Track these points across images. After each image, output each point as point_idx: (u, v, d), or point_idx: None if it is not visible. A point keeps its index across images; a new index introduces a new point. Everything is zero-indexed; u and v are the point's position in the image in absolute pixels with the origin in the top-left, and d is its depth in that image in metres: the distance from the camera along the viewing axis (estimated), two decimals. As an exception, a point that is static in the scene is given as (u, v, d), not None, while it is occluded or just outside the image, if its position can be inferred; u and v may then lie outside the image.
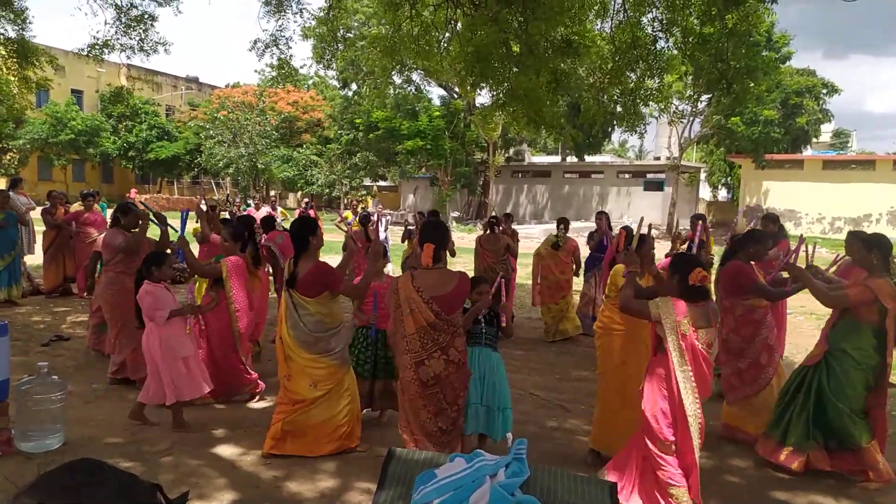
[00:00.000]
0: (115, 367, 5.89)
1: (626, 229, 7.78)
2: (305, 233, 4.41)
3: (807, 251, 5.04)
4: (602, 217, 9.11)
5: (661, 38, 8.67)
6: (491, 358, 4.29)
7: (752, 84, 9.45)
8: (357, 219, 12.12)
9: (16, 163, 34.25)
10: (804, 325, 10.18)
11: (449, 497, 1.48)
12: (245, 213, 12.12)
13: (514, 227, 10.15)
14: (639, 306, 3.74)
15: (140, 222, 6.12)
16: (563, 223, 8.83)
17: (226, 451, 4.53)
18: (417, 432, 3.81)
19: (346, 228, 10.65)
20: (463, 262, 14.35)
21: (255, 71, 67.66)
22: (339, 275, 4.44)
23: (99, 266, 7.88)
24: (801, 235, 5.41)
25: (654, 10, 8.50)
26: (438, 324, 3.68)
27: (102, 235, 6.08)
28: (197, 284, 7.52)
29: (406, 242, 10.32)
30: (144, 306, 4.84)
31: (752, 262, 5.21)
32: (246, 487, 3.99)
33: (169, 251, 5.75)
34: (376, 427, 5.15)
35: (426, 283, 3.72)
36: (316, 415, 4.36)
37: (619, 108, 10.06)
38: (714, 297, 4.76)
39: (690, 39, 8.23)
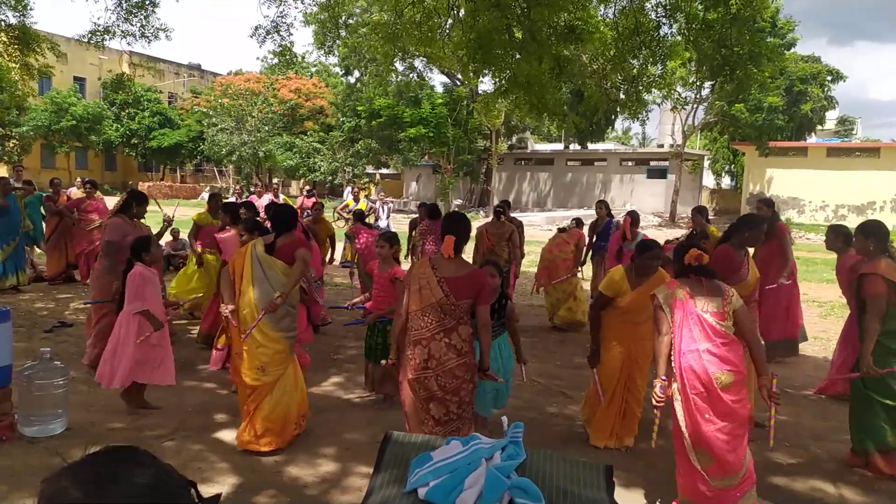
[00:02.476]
0: (91, 359, 5.74)
1: (631, 214, 7.82)
2: (289, 220, 4.53)
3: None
4: (601, 206, 9.17)
5: (664, 23, 8.60)
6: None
7: (755, 70, 9.37)
8: (354, 209, 12.16)
9: (19, 150, 34.25)
10: (806, 312, 10.15)
11: (444, 479, 1.49)
12: (246, 199, 12.10)
13: (516, 214, 10.15)
14: (657, 314, 3.72)
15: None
16: (577, 221, 9.08)
17: (227, 436, 4.55)
18: (411, 418, 3.81)
19: (346, 216, 10.64)
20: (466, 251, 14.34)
21: (258, 58, 67.34)
22: (311, 248, 4.55)
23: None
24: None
25: (657, -6, 8.43)
26: (446, 304, 3.64)
27: (106, 222, 5.97)
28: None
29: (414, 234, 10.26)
30: (130, 287, 4.83)
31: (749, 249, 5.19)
32: (247, 472, 4.02)
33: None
34: (378, 411, 5.19)
35: (441, 265, 3.75)
36: (270, 407, 4.26)
37: (621, 95, 10.00)
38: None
39: (694, 25, 8.15)
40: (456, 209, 29.94)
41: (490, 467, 1.51)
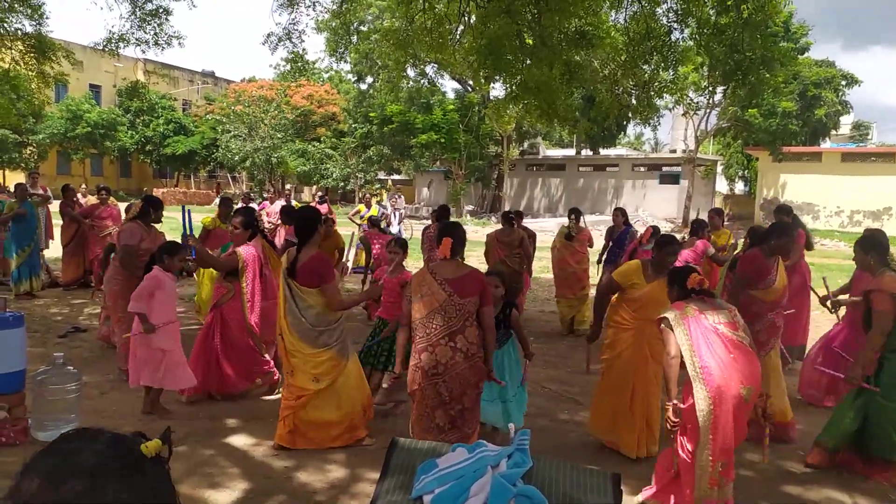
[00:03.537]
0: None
1: (654, 228, 7.77)
2: (311, 222, 4.44)
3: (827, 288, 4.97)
4: (618, 213, 9.07)
5: (675, 28, 8.58)
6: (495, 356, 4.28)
7: (768, 75, 9.31)
8: (366, 216, 12.21)
9: (35, 157, 34.69)
10: (820, 318, 10.05)
11: (450, 487, 1.48)
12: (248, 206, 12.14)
13: (528, 221, 10.10)
14: (665, 335, 3.66)
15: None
16: (575, 213, 8.79)
17: (238, 441, 4.57)
18: (416, 426, 3.79)
19: (359, 222, 10.68)
20: (476, 255, 14.33)
21: (271, 65, 67.84)
22: (333, 271, 4.48)
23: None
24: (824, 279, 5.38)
25: (668, 0, 8.42)
26: (449, 305, 3.64)
27: (120, 228, 6.05)
28: (198, 277, 7.55)
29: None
30: (147, 284, 4.91)
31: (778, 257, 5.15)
32: (257, 477, 4.03)
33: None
34: (389, 418, 5.17)
35: (440, 269, 3.78)
36: (321, 407, 4.35)
37: (632, 101, 9.97)
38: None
39: (705, 30, 8.12)
40: (468, 214, 29.98)
41: (496, 475, 1.50)
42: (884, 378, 4.32)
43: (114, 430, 1.03)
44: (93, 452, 0.92)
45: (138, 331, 4.84)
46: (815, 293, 6.31)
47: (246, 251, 5.46)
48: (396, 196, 16.41)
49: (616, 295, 4.70)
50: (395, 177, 40.08)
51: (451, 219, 11.65)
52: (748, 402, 3.46)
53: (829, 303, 5.54)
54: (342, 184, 36.54)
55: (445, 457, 1.62)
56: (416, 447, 1.75)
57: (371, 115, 32.67)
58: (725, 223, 7.95)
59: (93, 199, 10.61)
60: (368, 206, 12.98)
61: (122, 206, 10.04)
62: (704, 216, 8.77)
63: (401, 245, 5.49)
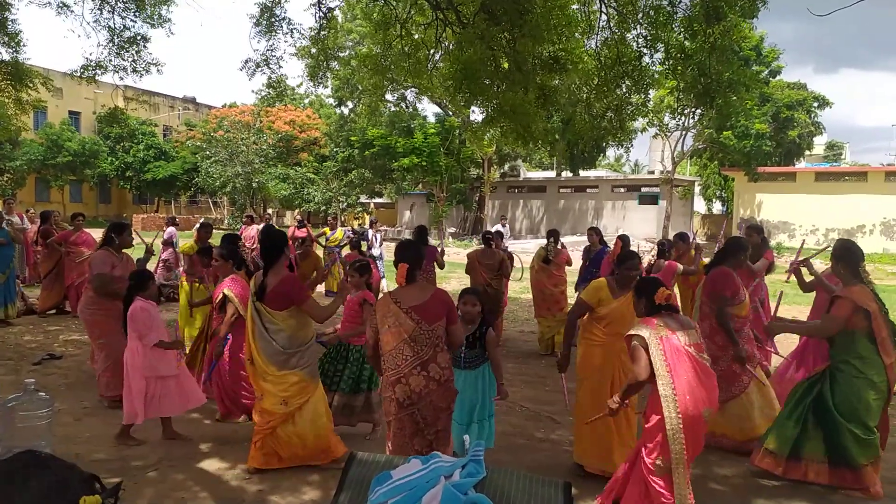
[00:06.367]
0: (103, 388, 5.92)
1: (623, 238, 7.87)
2: (277, 245, 4.47)
3: (777, 304, 5.05)
4: (592, 233, 9.20)
5: (645, 53, 8.77)
6: (467, 378, 4.31)
7: (734, 98, 9.52)
8: (332, 238, 12.27)
9: (12, 184, 34.39)
10: (796, 336, 10.19)
11: (402, 497, 1.51)
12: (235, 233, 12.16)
13: (510, 241, 10.21)
14: (636, 353, 3.70)
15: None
16: (554, 235, 8.87)
17: (212, 465, 4.55)
18: (396, 454, 3.78)
19: (324, 244, 10.65)
20: (457, 278, 14.39)
21: (252, 91, 67.99)
22: (305, 290, 4.49)
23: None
24: (780, 293, 5.38)
25: (638, 26, 8.62)
26: (419, 334, 3.60)
27: (90, 256, 6.03)
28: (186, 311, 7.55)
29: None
30: (137, 323, 4.86)
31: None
32: (230, 502, 4.01)
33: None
34: (367, 441, 5.15)
35: (404, 296, 3.71)
36: (289, 432, 4.36)
37: (606, 123, 10.14)
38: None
39: (674, 54, 8.32)
40: (449, 236, 30.06)
41: (447, 484, 1.54)
42: (837, 394, 4.38)
43: (70, 462, 1.06)
44: (39, 488, 0.95)
45: (139, 365, 4.81)
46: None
47: (235, 282, 5.49)
48: (375, 221, 16.66)
49: (584, 296, 4.76)
50: (378, 200, 40.19)
51: (432, 241, 11.76)
52: (706, 423, 3.63)
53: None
54: (324, 207, 36.55)
55: (400, 468, 1.65)
56: (372, 460, 1.78)
57: (352, 139, 32.81)
58: (702, 241, 8.06)
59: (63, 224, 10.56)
60: (333, 228, 12.98)
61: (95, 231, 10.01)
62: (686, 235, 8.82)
63: (357, 269, 5.41)
